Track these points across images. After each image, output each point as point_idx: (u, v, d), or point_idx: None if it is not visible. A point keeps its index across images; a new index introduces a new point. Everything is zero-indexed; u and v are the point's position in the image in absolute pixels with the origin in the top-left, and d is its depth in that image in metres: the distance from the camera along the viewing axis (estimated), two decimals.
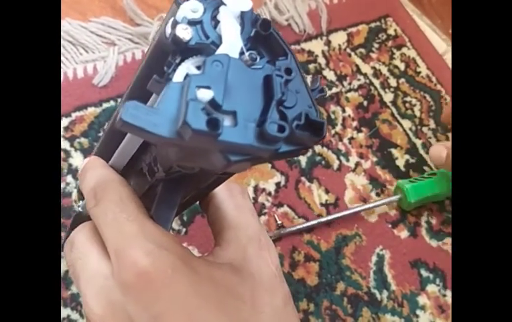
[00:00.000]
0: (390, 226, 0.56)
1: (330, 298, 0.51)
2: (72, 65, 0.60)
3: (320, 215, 0.55)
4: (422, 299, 0.52)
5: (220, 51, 0.21)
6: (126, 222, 0.27)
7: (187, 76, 0.21)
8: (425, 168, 0.60)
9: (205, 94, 0.20)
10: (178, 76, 0.21)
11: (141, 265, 0.25)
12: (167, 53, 0.22)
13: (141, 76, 0.26)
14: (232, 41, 0.22)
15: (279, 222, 0.53)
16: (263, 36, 0.23)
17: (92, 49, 0.62)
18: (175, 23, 0.21)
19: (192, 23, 0.22)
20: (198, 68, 0.21)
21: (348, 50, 0.68)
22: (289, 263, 0.52)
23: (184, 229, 0.52)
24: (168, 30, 0.22)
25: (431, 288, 0.53)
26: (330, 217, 0.54)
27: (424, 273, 0.54)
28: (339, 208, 0.56)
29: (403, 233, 0.56)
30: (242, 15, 0.23)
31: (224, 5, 0.23)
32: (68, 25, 0.62)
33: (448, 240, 0.56)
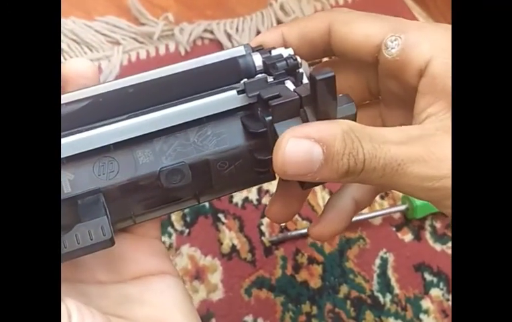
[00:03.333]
0: (394, 229, 0.55)
1: (333, 301, 0.51)
2: None
3: None
4: (426, 303, 0.52)
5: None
6: None
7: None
8: None
9: None
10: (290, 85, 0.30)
11: None
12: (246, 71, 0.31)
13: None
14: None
15: (283, 224, 0.53)
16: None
17: (96, 49, 0.62)
18: (291, 54, 0.31)
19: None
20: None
21: None
22: (292, 265, 0.52)
23: (187, 230, 0.52)
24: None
25: (435, 292, 0.53)
26: None
27: (428, 277, 0.53)
28: None
29: (407, 237, 0.55)
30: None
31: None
32: (72, 24, 0.62)
33: None
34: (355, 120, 0.28)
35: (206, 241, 0.52)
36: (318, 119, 0.28)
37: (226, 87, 0.30)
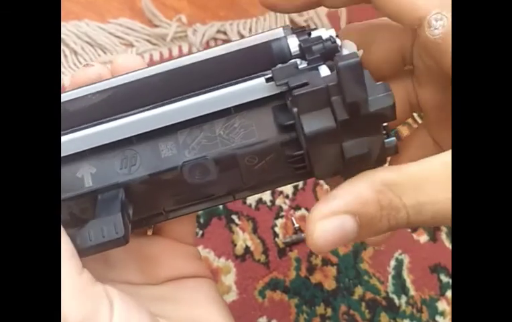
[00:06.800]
0: (409, 230, 0.55)
1: (347, 303, 0.50)
2: None
3: None
4: (442, 305, 0.51)
5: None
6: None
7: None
8: None
9: None
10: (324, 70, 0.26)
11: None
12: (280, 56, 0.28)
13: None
14: None
15: (297, 225, 0.53)
16: None
17: (110, 51, 0.62)
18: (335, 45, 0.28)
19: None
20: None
21: None
22: (306, 267, 0.51)
23: (201, 232, 0.52)
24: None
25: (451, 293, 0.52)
26: None
27: (444, 278, 0.53)
28: None
29: (423, 237, 0.55)
30: None
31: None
32: (86, 27, 0.62)
33: None
34: (393, 113, 0.25)
35: (219, 242, 0.52)
36: (347, 112, 0.24)
37: (256, 74, 0.28)
